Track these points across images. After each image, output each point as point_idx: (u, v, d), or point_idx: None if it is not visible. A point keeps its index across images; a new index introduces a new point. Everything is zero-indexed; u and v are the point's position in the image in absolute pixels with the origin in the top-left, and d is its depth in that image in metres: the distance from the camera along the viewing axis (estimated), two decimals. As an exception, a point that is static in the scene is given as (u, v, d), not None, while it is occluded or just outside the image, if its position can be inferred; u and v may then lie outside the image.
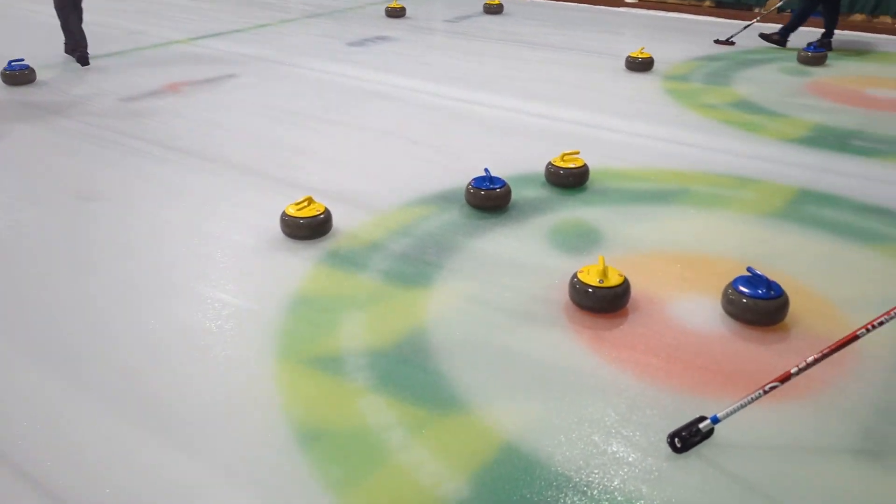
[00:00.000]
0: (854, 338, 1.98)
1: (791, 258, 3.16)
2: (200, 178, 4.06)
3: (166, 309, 2.84)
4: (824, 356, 2.01)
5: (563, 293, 2.87)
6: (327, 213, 3.35)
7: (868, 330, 1.97)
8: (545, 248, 3.26)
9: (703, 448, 2.13)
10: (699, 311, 2.79)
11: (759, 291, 2.67)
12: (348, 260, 3.14)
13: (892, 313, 1.95)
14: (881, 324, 1.95)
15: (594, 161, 4.00)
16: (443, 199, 3.72)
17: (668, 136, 4.63)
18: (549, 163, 3.90)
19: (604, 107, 5.22)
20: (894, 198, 3.74)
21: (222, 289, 2.96)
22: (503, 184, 3.59)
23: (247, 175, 4.09)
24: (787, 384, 2.14)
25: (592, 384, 2.39)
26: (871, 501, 1.99)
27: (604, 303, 2.73)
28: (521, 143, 4.55)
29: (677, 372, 2.46)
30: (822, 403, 2.32)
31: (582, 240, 3.33)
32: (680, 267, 3.09)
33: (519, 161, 4.20)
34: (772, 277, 2.74)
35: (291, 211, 3.31)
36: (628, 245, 3.27)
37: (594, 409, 2.29)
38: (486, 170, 3.64)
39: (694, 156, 4.31)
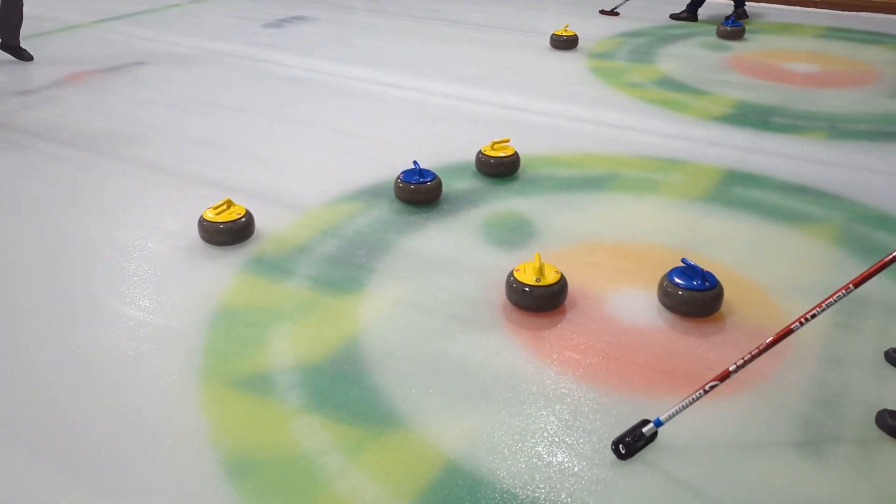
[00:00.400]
0: (789, 331, 1.97)
1: (722, 244, 3.17)
2: (108, 180, 3.79)
3: (76, 333, 2.63)
4: (761, 352, 2.00)
5: (500, 293, 2.79)
6: (248, 215, 3.16)
7: (802, 323, 1.96)
8: (479, 243, 3.17)
9: (648, 452, 2.10)
10: (636, 305, 2.76)
11: (695, 283, 2.66)
12: (273, 266, 2.98)
13: (823, 305, 1.95)
14: (814, 316, 1.95)
15: (524, 147, 3.93)
16: (371, 195, 3.58)
17: (595, 118, 4.60)
18: (480, 151, 3.80)
19: (531, 88, 5.14)
20: (815, 175, 3.81)
21: (138, 306, 2.76)
22: (433, 177, 3.48)
23: (159, 174, 3.84)
24: (726, 383, 2.13)
25: (534, 390, 2.33)
26: (816, 496, 2.00)
27: (541, 302, 2.66)
28: (450, 129, 4.44)
29: (618, 371, 2.42)
30: (760, 396, 2.33)
31: (516, 233, 3.26)
32: (615, 258, 3.06)
33: (448, 150, 4.09)
34: (704, 266, 2.73)
35: (210, 215, 3.11)
36: (562, 237, 3.22)
37: (537, 417, 2.23)
38: (415, 162, 3.51)
39: (622, 138, 4.29)
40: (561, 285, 2.68)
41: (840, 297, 1.92)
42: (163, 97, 4.96)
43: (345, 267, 2.97)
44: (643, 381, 2.38)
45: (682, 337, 2.59)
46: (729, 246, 3.17)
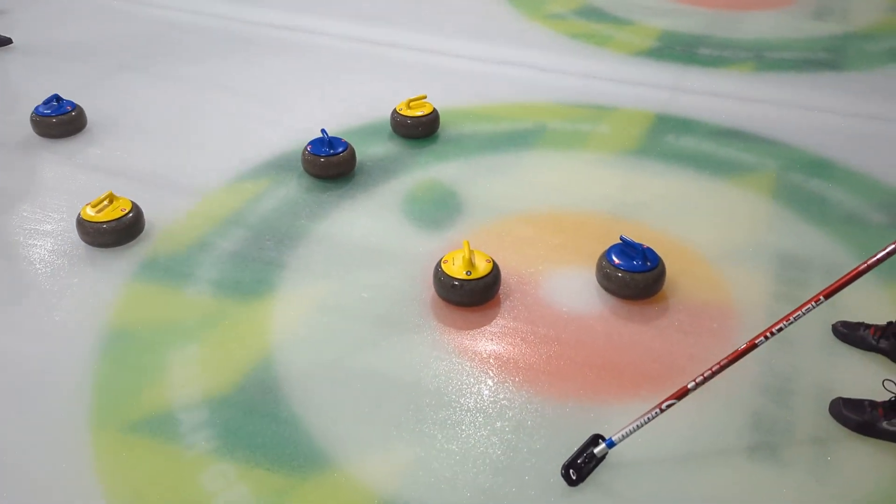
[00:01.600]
0: (753, 346, 1.80)
1: (657, 205, 2.99)
2: (-32, 166, 3.28)
3: (-63, 372, 2.25)
4: (722, 367, 1.83)
5: (428, 285, 2.54)
6: (135, 210, 2.77)
7: (767, 337, 1.80)
8: (402, 224, 2.88)
9: (599, 473, 1.94)
10: (574, 288, 2.56)
11: (635, 263, 2.47)
12: (169, 269, 2.63)
13: (790, 318, 1.77)
14: (780, 329, 1.78)
15: (443, 101, 3.60)
16: (277, 168, 3.21)
17: (516, 59, 4.27)
18: (395, 111, 3.45)
19: (443, 26, 4.75)
20: (746, 116, 3.65)
21: (11, 332, 2.38)
22: (345, 146, 3.13)
23: (23, 160, 3.34)
24: (675, 379, 1.97)
25: (472, 406, 2.12)
26: (772, 498, 1.89)
27: (474, 297, 2.43)
28: (359, 82, 4.04)
29: (560, 373, 2.23)
30: (709, 391, 2.17)
31: (441, 208, 2.98)
32: (548, 231, 2.84)
33: (358, 108, 3.71)
34: (641, 233, 2.56)
35: (90, 213, 2.70)
36: (491, 208, 2.96)
37: (477, 440, 2.03)
38: (322, 131, 3.15)
39: (545, 82, 4.00)
40: (493, 276, 2.45)
41: (809, 310, 1.75)
42: (23, 56, 4.32)
43: (251, 265, 2.65)
44: (588, 383, 2.20)
45: (625, 324, 2.42)
46: (664, 207, 2.98)
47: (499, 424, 2.07)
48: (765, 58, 4.32)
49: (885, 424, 2.00)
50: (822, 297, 1.73)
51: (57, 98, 3.45)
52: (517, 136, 3.49)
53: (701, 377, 1.84)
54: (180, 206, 2.94)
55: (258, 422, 2.06)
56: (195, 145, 3.42)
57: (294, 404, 2.12)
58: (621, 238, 2.53)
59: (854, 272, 1.72)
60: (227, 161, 3.25)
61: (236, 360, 2.26)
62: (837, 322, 2.37)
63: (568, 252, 2.72)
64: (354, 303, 2.49)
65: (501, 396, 2.15)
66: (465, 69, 4.16)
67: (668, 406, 1.85)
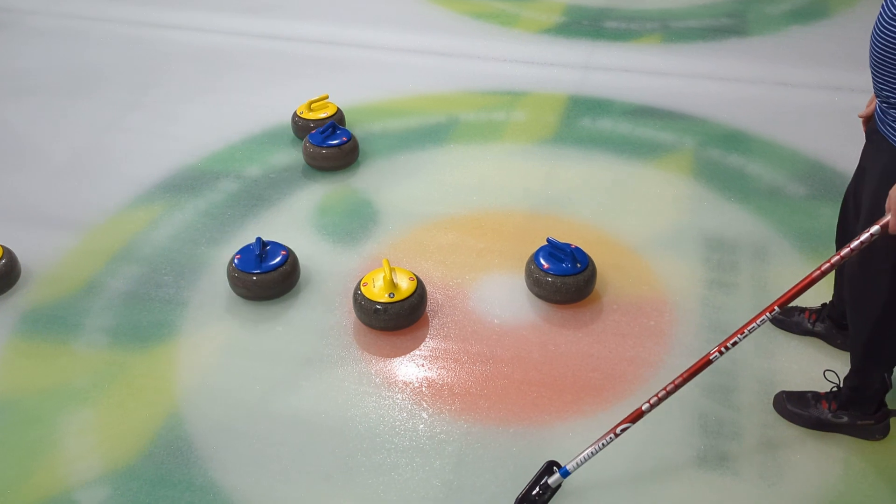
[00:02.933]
0: (707, 362, 1.68)
1: (579, 197, 2.87)
2: None
3: None
4: (677, 387, 1.71)
5: (348, 310, 2.34)
6: (8, 254, 2.45)
7: (721, 353, 1.67)
8: (315, 242, 2.66)
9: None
10: (502, 296, 2.41)
11: (564, 266, 2.34)
12: (54, 320, 2.33)
13: (744, 331, 1.65)
14: (734, 344, 1.66)
15: (346, 97, 3.38)
16: (171, 190, 2.92)
17: (421, 46, 4.07)
18: (296, 114, 3.20)
19: (342, 13, 4.48)
20: (658, 91, 3.58)
21: None
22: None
23: None
24: (616, 388, 1.86)
25: (408, 446, 1.95)
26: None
27: (399, 320, 2.25)
28: (252, 80, 3.75)
29: (498, 395, 2.09)
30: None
31: (356, 220, 2.77)
32: (470, 235, 2.68)
33: (255, 111, 3.44)
34: (563, 226, 2.45)
35: (-47, 265, 2.37)
36: (407, 216, 2.77)
37: (417, 484, 1.86)
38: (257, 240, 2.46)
39: (454, 69, 3.82)
40: (419, 295, 2.27)
41: (763, 321, 1.64)
42: None
43: (149, 305, 2.38)
44: (528, 403, 2.07)
45: (560, 331, 2.29)
46: (586, 197, 2.87)
47: (438, 464, 1.90)
48: (671, 28, 4.26)
49: (831, 417, 1.95)
50: (776, 308, 1.63)
51: None
52: (429, 131, 3.30)
53: (655, 398, 1.72)
54: (61, 245, 2.63)
55: (170, 493, 1.83)
56: (71, 172, 3.07)
57: (210, 466, 1.90)
58: (548, 240, 2.40)
59: (808, 279, 1.61)
60: (111, 188, 2.93)
61: (139, 421, 2.01)
62: (781, 392, 2.26)
63: (493, 256, 2.57)
64: (268, 340, 2.27)
65: (438, 430, 1.99)
66: (367, 60, 3.92)
67: (623, 430, 1.73)
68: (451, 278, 2.48)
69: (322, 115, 3.17)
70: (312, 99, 3.19)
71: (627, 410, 2.02)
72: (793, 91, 3.59)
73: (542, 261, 2.37)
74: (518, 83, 3.65)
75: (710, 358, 1.67)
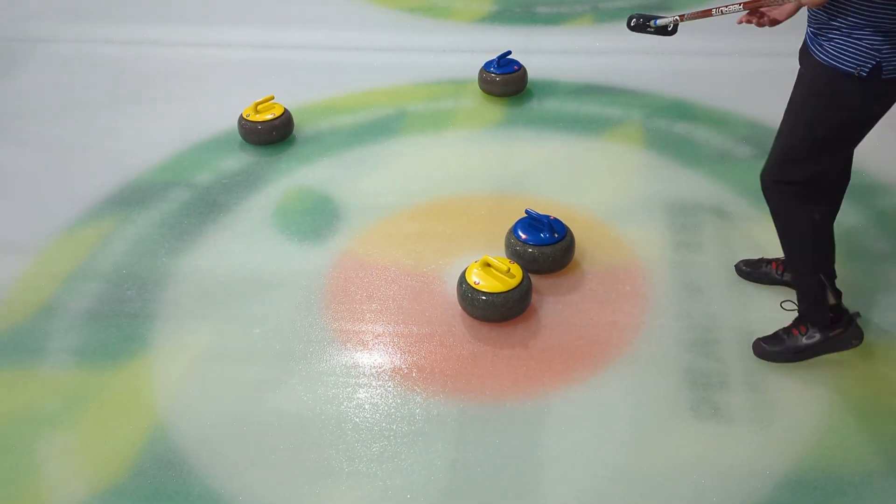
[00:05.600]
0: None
1: (538, 175, 2.90)
2: None
3: None
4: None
5: (323, 303, 2.30)
6: (-45, 284, 2.31)
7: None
8: (279, 243, 2.60)
9: (546, 478, 1.81)
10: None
11: (543, 236, 2.36)
12: (14, 347, 2.20)
13: None
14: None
15: (292, 98, 3.31)
16: (120, 204, 2.81)
17: (359, 43, 4.03)
18: (242, 117, 3.13)
19: (274, 16, 4.40)
20: (599, 69, 3.64)
21: None
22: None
23: None
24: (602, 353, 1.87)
25: (407, 430, 1.92)
26: (730, 462, 1.85)
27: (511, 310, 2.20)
28: (193, 88, 3.64)
29: (490, 371, 2.08)
30: (641, 359, 2.11)
31: (317, 217, 2.72)
32: (438, 221, 2.66)
33: (199, 118, 3.34)
34: (528, 204, 2.47)
35: None
36: (370, 209, 2.74)
37: (422, 467, 1.83)
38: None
39: (396, 64, 3.80)
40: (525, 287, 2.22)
41: None
42: None
43: (115, 321, 2.28)
44: (520, 376, 2.07)
45: (543, 302, 2.29)
46: (546, 175, 2.90)
47: (440, 445, 1.88)
48: (600, 9, 4.35)
49: (805, 341, 2.02)
50: None
51: None
52: (379, 125, 3.27)
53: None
54: (10, 271, 2.48)
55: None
56: (8, 196, 2.92)
57: (206, 475, 1.83)
58: (526, 211, 2.41)
59: None
60: (54, 209, 2.77)
61: (122, 438, 1.92)
62: (739, 262, 2.38)
63: (464, 240, 2.57)
64: (245, 343, 2.20)
65: (435, 412, 1.97)
66: (308, 61, 3.86)
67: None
68: (425, 265, 2.47)
69: (269, 116, 3.10)
70: (258, 101, 3.12)
71: (616, 373, 2.08)
72: (726, 59, 3.72)
73: (521, 232, 2.38)
74: (461, 72, 3.66)
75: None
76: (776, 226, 2.01)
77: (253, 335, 2.22)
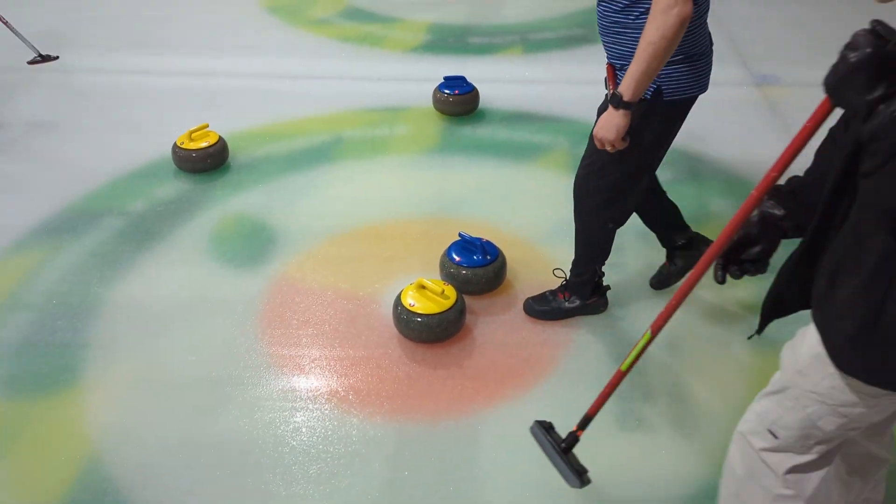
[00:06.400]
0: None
1: (472, 200, 2.98)
2: None
3: None
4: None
5: (258, 329, 2.32)
6: None
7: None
8: (213, 269, 2.61)
9: None
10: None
11: (475, 258, 2.44)
12: (-62, 381, 2.15)
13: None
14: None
15: (226, 126, 3.33)
16: (50, 234, 2.77)
17: (293, 71, 4.08)
18: (176, 145, 3.13)
19: (205, 42, 4.42)
20: (528, 99, 3.78)
21: None
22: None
23: None
24: (534, 371, 1.95)
25: (344, 452, 1.95)
26: (647, 462, 1.94)
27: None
28: (125, 116, 3.62)
29: (425, 392, 2.13)
30: (565, 375, 2.20)
31: (253, 244, 2.74)
32: (376, 245, 2.72)
33: (131, 146, 3.32)
34: (462, 228, 2.55)
35: None
36: (306, 234, 2.78)
37: (359, 487, 1.86)
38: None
39: (331, 92, 3.86)
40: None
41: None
42: None
43: (46, 351, 2.25)
44: (455, 396, 2.13)
45: (476, 322, 2.37)
46: (479, 199, 2.99)
47: (377, 465, 1.92)
48: (529, 40, 4.51)
49: (567, 305, 2.35)
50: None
51: None
52: (315, 151, 3.32)
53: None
54: (-66, 301, 2.43)
55: (101, 538, 1.74)
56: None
57: (142, 503, 1.82)
58: (460, 234, 2.49)
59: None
60: (-15, 234, 2.75)
61: (54, 469, 1.90)
62: (526, 299, 2.43)
63: (400, 263, 2.63)
64: (180, 369, 2.20)
65: (372, 434, 2.01)
66: (239, 87, 3.88)
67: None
68: (361, 288, 2.51)
69: (203, 144, 3.11)
70: (192, 129, 3.13)
71: (546, 390, 2.16)
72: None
73: (455, 255, 2.46)
74: (395, 100, 3.75)
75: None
76: (576, 216, 2.23)
77: (188, 362, 2.22)
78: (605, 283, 2.39)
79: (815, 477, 1.38)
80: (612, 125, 1.85)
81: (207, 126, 3.17)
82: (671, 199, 2.45)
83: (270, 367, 2.21)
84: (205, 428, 2.02)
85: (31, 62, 4.13)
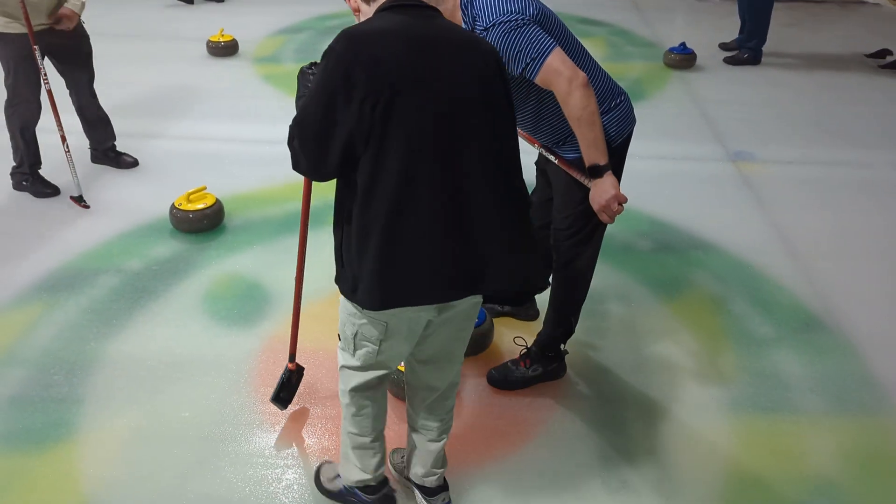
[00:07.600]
0: None
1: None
2: None
3: None
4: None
5: (253, 386, 2.37)
6: None
7: None
8: (208, 328, 2.67)
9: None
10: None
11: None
12: (-68, 434, 2.17)
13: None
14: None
15: (222, 189, 3.43)
16: (48, 290, 2.82)
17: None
18: (174, 206, 3.22)
19: (206, 111, 4.56)
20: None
21: None
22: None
23: None
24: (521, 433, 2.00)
25: (335, 509, 2.00)
26: None
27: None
28: (126, 177, 3.71)
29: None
30: (552, 437, 2.27)
31: (247, 303, 2.81)
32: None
33: (129, 207, 3.41)
34: None
35: None
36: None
37: (349, 544, 1.90)
38: None
39: (323, 157, 3.98)
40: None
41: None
42: None
43: (40, 407, 2.28)
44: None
45: (464, 383, 2.44)
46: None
47: (368, 521, 1.96)
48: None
49: (530, 373, 2.40)
50: None
51: None
52: (310, 214, 3.41)
53: None
54: (-70, 355, 2.46)
55: None
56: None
57: (132, 560, 1.84)
58: (444, 300, 2.57)
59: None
60: (-19, 291, 2.79)
61: (46, 525, 1.92)
62: (489, 370, 2.49)
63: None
64: (174, 426, 2.24)
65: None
66: (235, 152, 4.01)
67: None
68: (352, 348, 2.57)
69: (200, 206, 3.21)
70: (190, 191, 3.23)
71: (533, 452, 2.22)
72: (629, 161, 4.07)
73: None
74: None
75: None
76: (556, 273, 2.35)
77: (182, 418, 2.26)
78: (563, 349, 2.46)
79: None
80: (607, 189, 1.98)
81: (206, 188, 3.28)
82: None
83: (263, 424, 2.26)
84: (198, 484, 2.05)
85: None
